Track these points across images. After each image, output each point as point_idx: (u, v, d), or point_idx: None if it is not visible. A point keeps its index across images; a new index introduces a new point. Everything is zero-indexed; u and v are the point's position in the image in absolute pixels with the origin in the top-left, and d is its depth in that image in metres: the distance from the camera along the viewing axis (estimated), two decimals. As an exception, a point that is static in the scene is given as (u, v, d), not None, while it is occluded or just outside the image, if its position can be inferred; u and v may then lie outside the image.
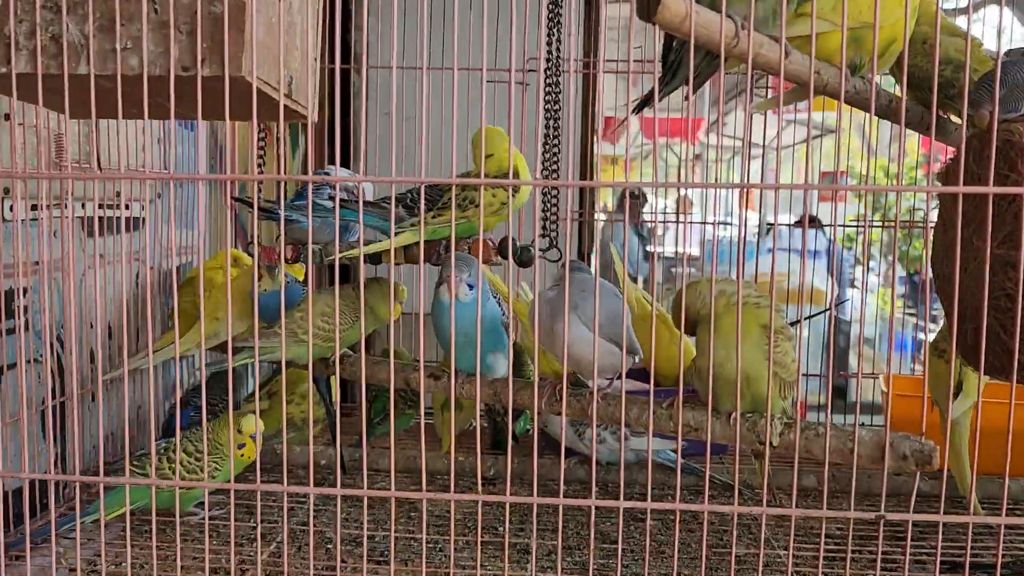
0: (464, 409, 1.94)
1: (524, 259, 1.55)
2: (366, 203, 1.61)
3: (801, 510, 1.02)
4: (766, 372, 1.09)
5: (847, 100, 1.26)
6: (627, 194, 1.27)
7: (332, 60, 2.33)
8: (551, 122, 1.68)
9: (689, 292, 1.16)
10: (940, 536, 1.01)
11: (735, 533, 1.03)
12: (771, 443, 1.10)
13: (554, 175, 1.84)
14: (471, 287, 1.38)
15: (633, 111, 1.30)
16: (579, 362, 1.26)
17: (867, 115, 2.60)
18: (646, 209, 4.18)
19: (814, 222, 3.70)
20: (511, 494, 1.07)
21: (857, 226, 2.43)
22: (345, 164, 2.64)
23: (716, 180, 2.79)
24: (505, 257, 1.57)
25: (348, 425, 2.20)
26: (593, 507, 1.04)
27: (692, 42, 1.04)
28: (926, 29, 1.39)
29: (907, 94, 1.40)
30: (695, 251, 3.53)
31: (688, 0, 1.00)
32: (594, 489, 1.04)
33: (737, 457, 1.03)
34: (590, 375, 1.31)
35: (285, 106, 1.23)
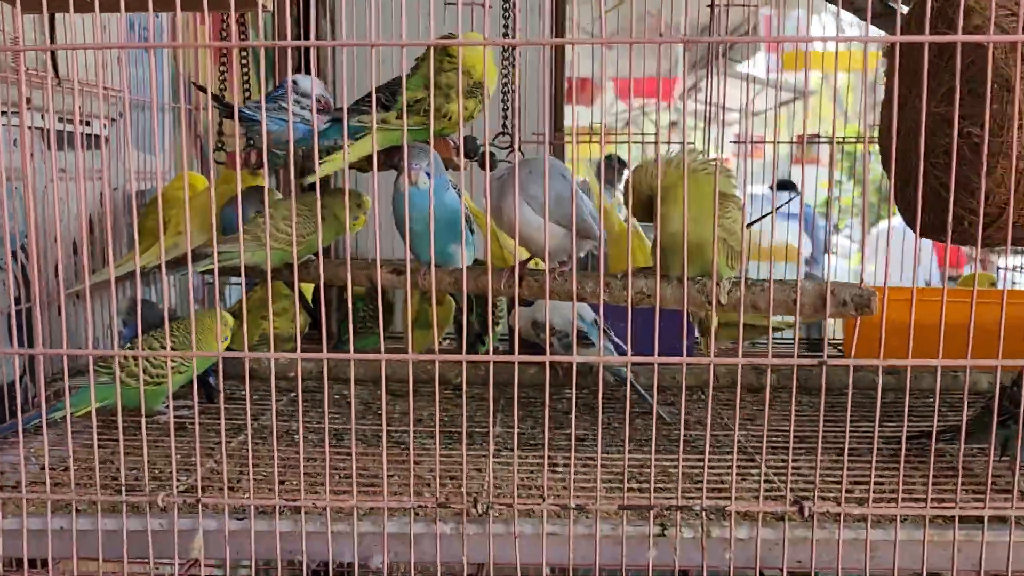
0: (429, 335, 1.96)
1: (470, 151, 1.56)
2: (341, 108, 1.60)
3: (748, 359, 1.05)
4: (717, 237, 1.12)
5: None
6: (602, 158, 1.29)
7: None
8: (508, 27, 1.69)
9: (638, 172, 1.19)
10: (880, 383, 1.04)
11: (685, 398, 1.06)
12: (720, 301, 1.13)
13: (510, 91, 1.84)
14: (429, 175, 1.40)
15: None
16: (528, 243, 1.29)
17: (840, 79, 2.59)
18: (624, 175, 4.16)
19: (790, 186, 3.73)
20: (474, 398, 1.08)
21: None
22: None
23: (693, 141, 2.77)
24: (467, 157, 1.58)
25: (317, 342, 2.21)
26: (548, 363, 1.07)
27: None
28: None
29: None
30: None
31: None
32: (548, 350, 1.07)
33: (685, 311, 1.06)
34: (544, 257, 1.33)
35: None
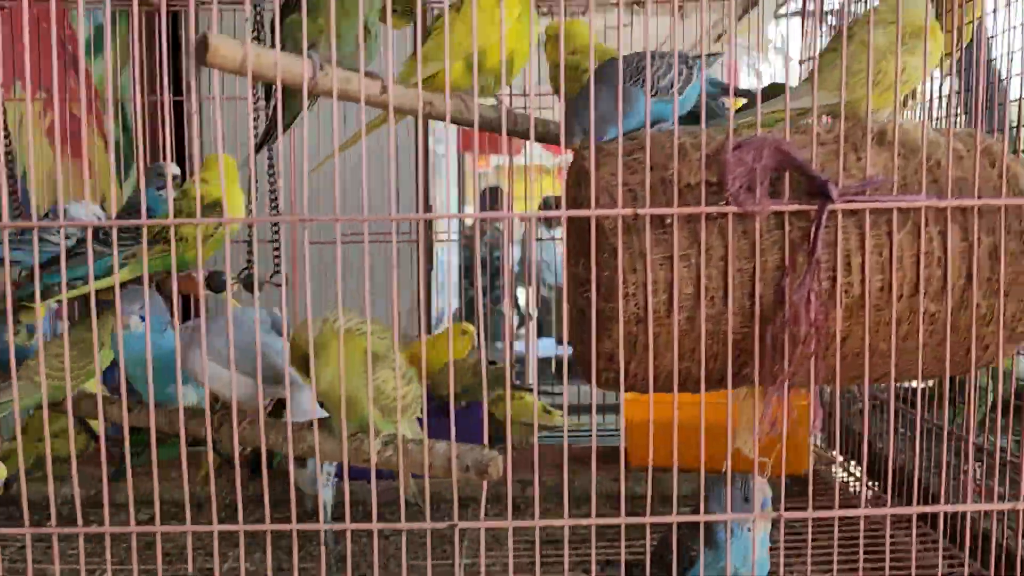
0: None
1: (216, 286, 1.57)
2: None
3: (383, 524, 1.07)
4: (367, 396, 1.15)
5: (484, 127, 1.32)
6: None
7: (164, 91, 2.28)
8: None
9: (299, 329, 1.22)
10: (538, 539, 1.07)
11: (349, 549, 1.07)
12: (371, 460, 1.15)
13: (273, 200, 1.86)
14: (142, 319, 1.42)
15: (257, 148, 1.34)
16: (222, 395, 1.31)
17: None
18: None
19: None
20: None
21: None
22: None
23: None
24: (214, 290, 1.59)
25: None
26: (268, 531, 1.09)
27: (279, 83, 1.10)
28: (577, 59, 1.44)
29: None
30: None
31: (245, 43, 1.05)
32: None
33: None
34: (244, 406, 1.35)
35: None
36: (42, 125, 2.34)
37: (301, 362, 1.22)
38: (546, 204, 4.46)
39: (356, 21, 1.12)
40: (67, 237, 1.74)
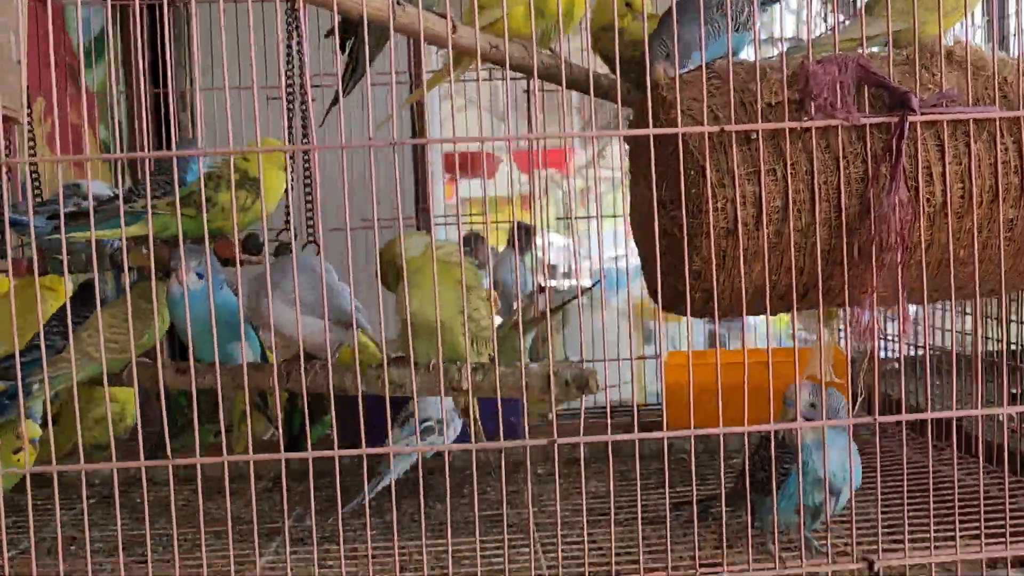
0: (261, 422, 1.94)
1: (252, 249, 1.56)
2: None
3: (482, 444, 1.08)
4: (458, 322, 1.15)
5: (542, 75, 1.35)
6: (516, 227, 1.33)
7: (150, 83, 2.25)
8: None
9: (390, 245, 1.23)
10: (610, 453, 1.08)
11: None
12: (463, 386, 1.16)
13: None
14: (200, 276, 1.41)
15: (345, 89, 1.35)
16: (292, 340, 1.31)
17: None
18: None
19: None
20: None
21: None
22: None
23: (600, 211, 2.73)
24: (250, 252, 1.59)
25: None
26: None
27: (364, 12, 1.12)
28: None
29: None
30: (586, 282, 3.53)
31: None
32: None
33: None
34: (314, 352, 1.35)
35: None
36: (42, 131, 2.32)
37: (388, 281, 1.23)
38: (519, 229, 4.43)
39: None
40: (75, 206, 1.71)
